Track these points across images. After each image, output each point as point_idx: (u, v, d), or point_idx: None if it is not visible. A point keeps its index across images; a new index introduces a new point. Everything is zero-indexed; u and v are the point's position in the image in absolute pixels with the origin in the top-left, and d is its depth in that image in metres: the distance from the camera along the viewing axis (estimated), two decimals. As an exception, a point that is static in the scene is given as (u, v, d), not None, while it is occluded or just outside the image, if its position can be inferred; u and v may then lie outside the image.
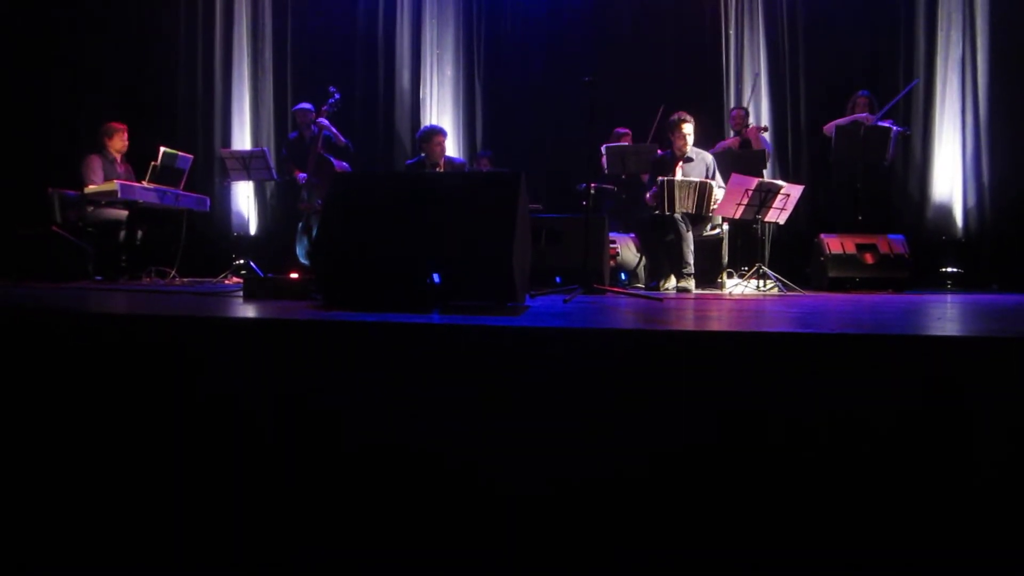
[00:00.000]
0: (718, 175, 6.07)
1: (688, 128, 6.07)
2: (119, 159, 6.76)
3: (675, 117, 6.11)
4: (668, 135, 6.20)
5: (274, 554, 1.86)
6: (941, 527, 1.64)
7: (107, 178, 6.52)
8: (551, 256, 5.54)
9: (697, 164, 6.11)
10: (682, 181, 5.83)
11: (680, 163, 6.09)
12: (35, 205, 6.56)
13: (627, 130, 7.37)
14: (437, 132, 6.73)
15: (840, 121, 6.88)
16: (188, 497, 1.92)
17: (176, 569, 1.88)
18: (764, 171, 6.82)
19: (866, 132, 6.49)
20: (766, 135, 7.44)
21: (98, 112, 7.99)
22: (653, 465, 1.75)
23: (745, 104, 7.67)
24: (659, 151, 6.39)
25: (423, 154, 6.75)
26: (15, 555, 1.93)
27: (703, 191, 5.78)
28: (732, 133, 7.50)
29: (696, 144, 6.18)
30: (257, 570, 1.86)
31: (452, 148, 8.35)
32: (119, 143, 6.76)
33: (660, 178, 5.88)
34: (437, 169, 6.63)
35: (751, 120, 7.59)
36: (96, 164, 6.59)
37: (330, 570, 1.83)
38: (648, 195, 6.06)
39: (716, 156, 6.40)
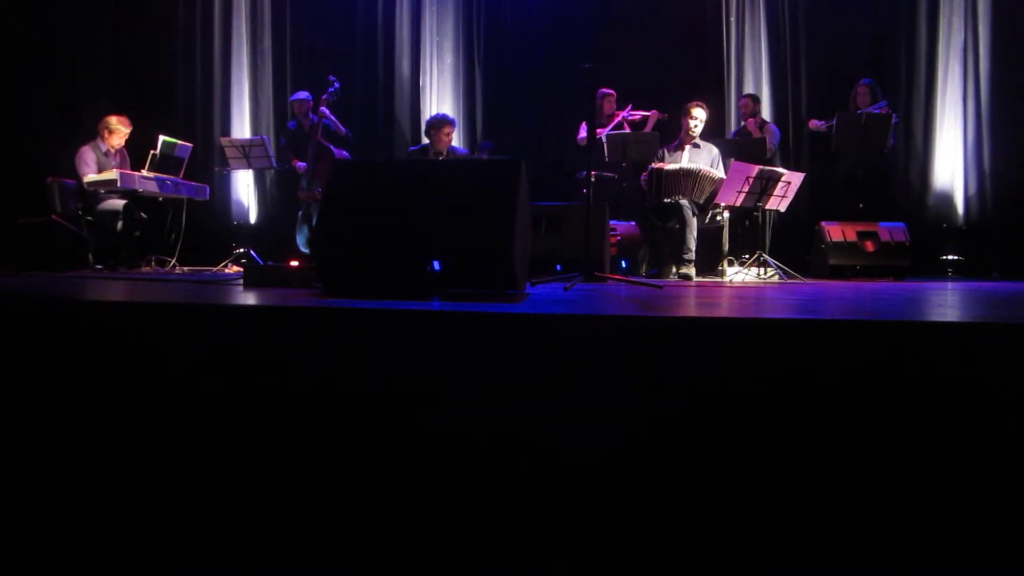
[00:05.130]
0: (721, 166, 6.07)
1: (698, 112, 6.10)
2: (113, 151, 6.73)
3: (690, 103, 6.16)
4: (680, 119, 6.24)
5: (275, 547, 1.86)
6: (942, 510, 1.65)
7: (101, 169, 6.50)
8: (552, 244, 5.53)
9: (703, 153, 6.12)
10: (672, 170, 5.85)
11: (687, 147, 6.12)
12: (34, 194, 6.55)
13: (612, 91, 7.35)
14: (448, 122, 6.71)
15: (818, 124, 6.98)
16: (187, 486, 1.92)
17: (180, 569, 1.89)
18: (774, 160, 6.83)
19: (867, 120, 6.48)
20: (770, 125, 7.42)
21: (96, 101, 7.98)
22: (653, 451, 1.75)
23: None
24: (661, 147, 6.38)
25: (428, 141, 6.74)
26: (16, 551, 1.94)
27: (694, 177, 5.81)
28: (741, 122, 7.47)
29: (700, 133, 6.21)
30: (269, 567, 1.87)
31: (454, 136, 8.34)
32: (117, 140, 6.72)
33: (651, 165, 5.94)
34: (440, 158, 6.62)
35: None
36: (89, 157, 6.56)
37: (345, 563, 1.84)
38: (643, 176, 6.12)
39: (720, 145, 6.40)
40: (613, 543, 1.74)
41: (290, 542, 1.85)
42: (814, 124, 7.10)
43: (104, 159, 6.61)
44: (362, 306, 2.07)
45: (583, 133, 6.71)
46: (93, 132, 6.81)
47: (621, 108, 7.26)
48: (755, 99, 7.53)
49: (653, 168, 5.96)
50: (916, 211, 7.44)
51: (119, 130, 6.70)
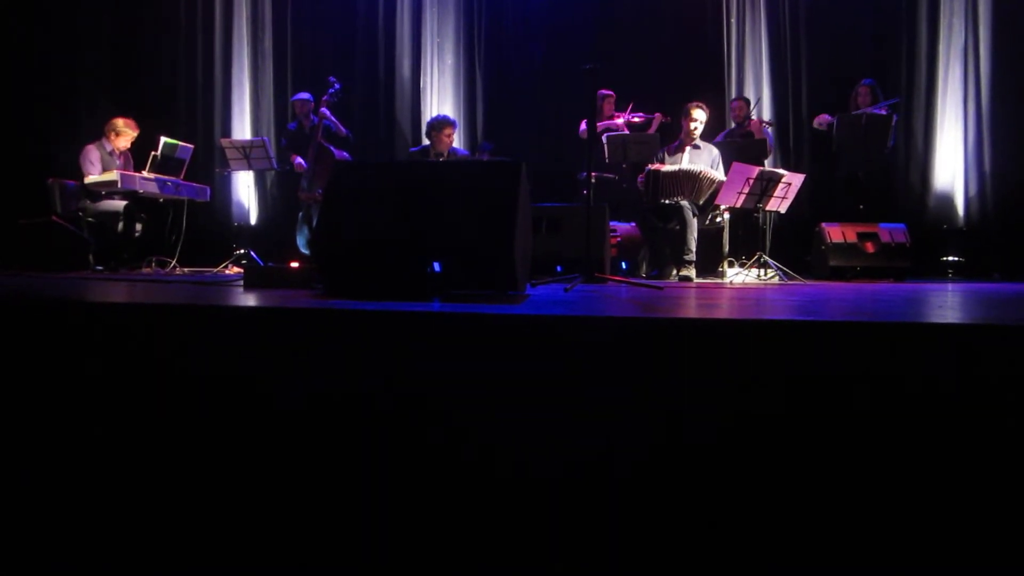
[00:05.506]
0: (721, 168, 6.07)
1: (698, 114, 6.11)
2: (118, 152, 6.74)
3: (690, 104, 6.17)
4: (680, 120, 6.25)
5: (275, 547, 1.86)
6: (942, 511, 1.65)
7: (105, 169, 6.51)
8: (552, 245, 5.54)
9: (703, 154, 6.13)
10: (670, 172, 5.85)
11: (688, 148, 6.13)
12: (35, 195, 6.56)
13: (611, 92, 7.36)
14: (449, 123, 6.71)
15: (823, 119, 6.94)
16: (188, 486, 1.92)
17: (180, 569, 1.89)
18: (765, 161, 6.82)
19: (867, 121, 6.48)
20: (770, 129, 7.42)
21: (97, 101, 7.99)
22: (653, 452, 1.75)
23: (752, 113, 7.60)
24: (661, 148, 6.38)
25: (429, 142, 6.74)
26: (16, 551, 1.94)
27: (693, 178, 5.82)
28: (733, 124, 7.48)
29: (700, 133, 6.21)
30: (269, 567, 1.87)
31: (454, 137, 8.35)
32: (123, 143, 6.74)
33: (648, 167, 5.95)
34: (441, 159, 6.62)
35: (753, 113, 7.56)
36: (94, 156, 6.57)
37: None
38: (639, 178, 6.12)
39: (717, 146, 6.41)
40: (613, 543, 1.74)
41: (290, 542, 1.85)
42: (823, 119, 6.99)
43: (108, 159, 6.63)
44: (362, 307, 2.07)
45: (584, 127, 6.72)
46: (94, 133, 6.82)
47: (621, 109, 7.27)
48: (748, 102, 7.54)
49: (650, 169, 5.97)
50: (917, 212, 7.44)
51: (126, 132, 6.71)
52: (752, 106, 7.63)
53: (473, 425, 1.83)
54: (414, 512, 1.82)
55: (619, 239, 6.49)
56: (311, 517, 1.86)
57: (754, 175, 5.60)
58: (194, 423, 1.95)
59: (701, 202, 5.93)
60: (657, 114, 7.24)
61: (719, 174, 5.93)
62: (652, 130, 7.14)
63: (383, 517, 1.83)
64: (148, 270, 6.28)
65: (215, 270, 6.50)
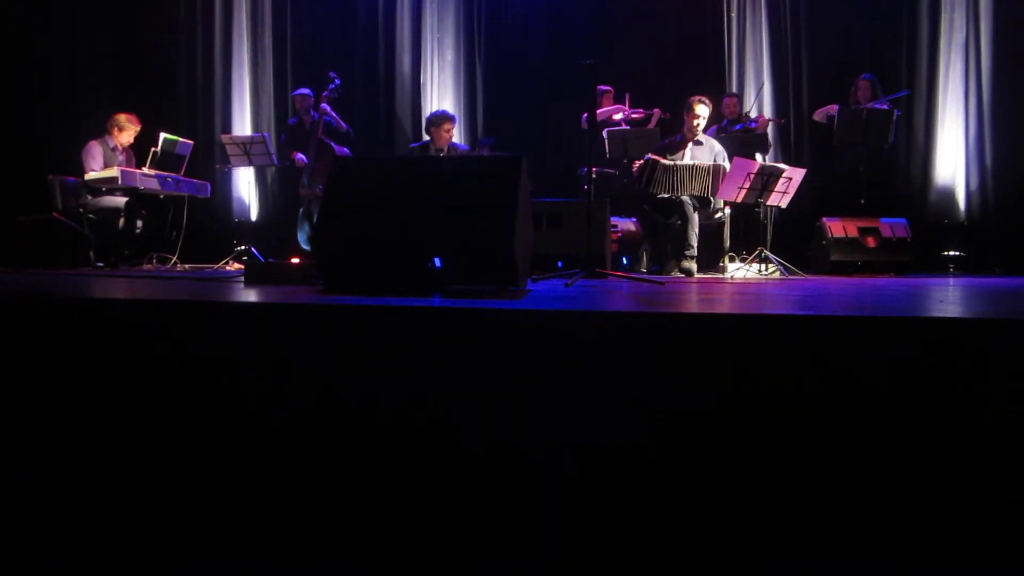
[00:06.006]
0: (726, 161, 6.06)
1: (701, 109, 6.08)
2: (120, 148, 6.75)
3: (693, 98, 6.12)
4: (683, 115, 6.22)
5: (275, 547, 1.86)
6: (938, 511, 1.65)
7: (107, 164, 6.51)
8: (553, 241, 5.53)
9: (705, 149, 6.11)
10: (667, 166, 5.83)
11: (690, 144, 6.10)
12: (35, 192, 6.56)
13: (609, 88, 7.35)
14: (448, 119, 6.72)
15: (828, 110, 6.91)
16: (188, 485, 1.92)
17: (180, 569, 1.89)
18: (766, 156, 6.81)
19: (868, 115, 6.47)
20: (771, 126, 7.40)
21: (98, 98, 7.99)
22: (654, 448, 1.75)
23: (748, 109, 7.58)
24: (666, 139, 6.37)
25: (428, 138, 6.74)
26: (16, 551, 1.94)
27: (690, 170, 5.80)
28: (724, 120, 7.44)
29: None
30: (269, 567, 1.87)
31: (454, 132, 8.35)
32: (126, 138, 6.74)
33: (648, 155, 5.91)
34: (441, 155, 6.63)
35: (753, 110, 7.56)
36: (96, 151, 6.57)
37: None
38: (635, 164, 6.10)
39: (718, 139, 6.40)
40: (614, 542, 1.74)
41: (290, 540, 1.86)
42: (830, 109, 6.94)
43: (111, 155, 6.62)
44: (363, 303, 2.07)
45: (585, 117, 6.72)
46: (94, 129, 6.82)
47: (618, 102, 7.27)
48: (740, 99, 7.57)
49: (650, 158, 5.91)
50: (918, 207, 7.44)
51: (129, 127, 6.72)
52: (753, 99, 7.62)
53: (473, 421, 1.82)
54: (414, 509, 1.82)
55: (620, 235, 6.48)
56: (311, 514, 1.86)
57: (755, 170, 5.59)
58: (194, 420, 1.95)
59: (707, 194, 5.90)
60: (656, 110, 7.23)
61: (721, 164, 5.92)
62: (651, 126, 7.14)
63: (382, 514, 1.83)
64: (149, 266, 6.29)
65: (216, 266, 6.51)
